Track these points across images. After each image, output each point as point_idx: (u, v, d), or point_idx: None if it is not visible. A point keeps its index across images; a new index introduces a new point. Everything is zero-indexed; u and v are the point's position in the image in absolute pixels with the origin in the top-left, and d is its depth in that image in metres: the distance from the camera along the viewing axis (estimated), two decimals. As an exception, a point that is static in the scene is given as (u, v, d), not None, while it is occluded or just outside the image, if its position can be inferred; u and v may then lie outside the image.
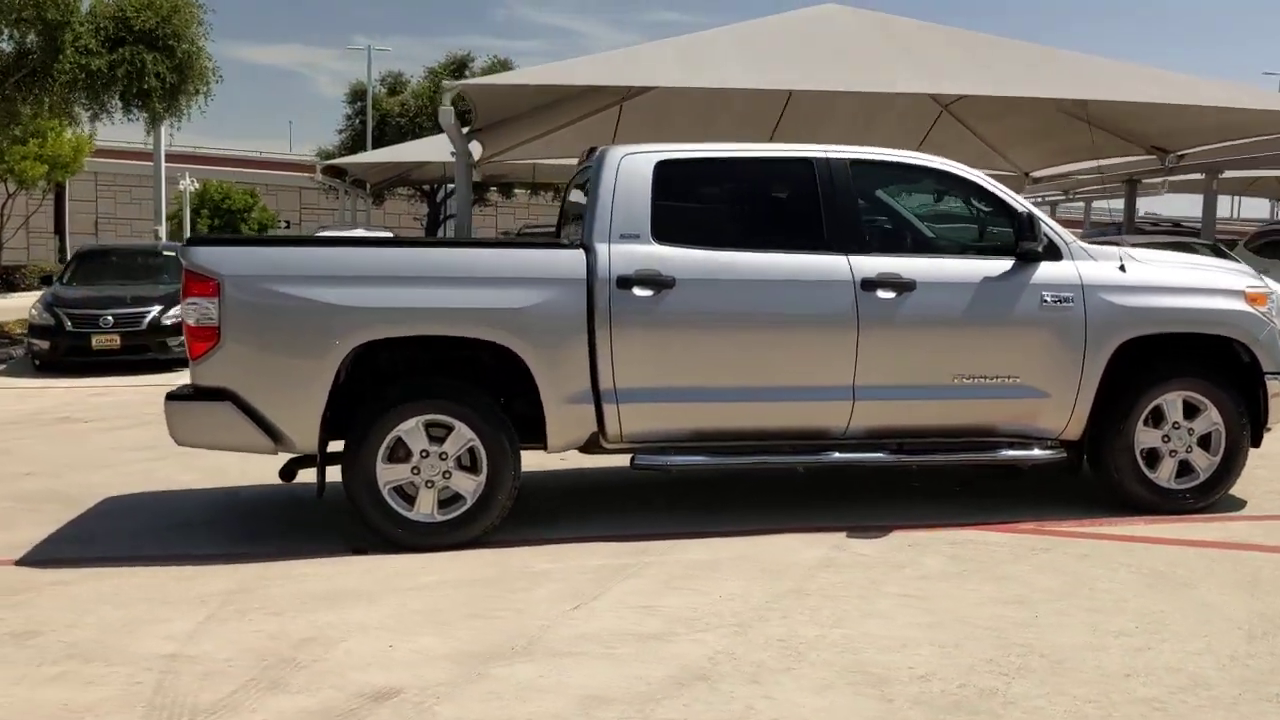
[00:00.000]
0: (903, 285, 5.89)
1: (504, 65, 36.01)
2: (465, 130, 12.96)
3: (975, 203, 6.28)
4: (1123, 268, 6.14)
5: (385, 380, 5.76)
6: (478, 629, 4.50)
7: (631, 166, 5.88)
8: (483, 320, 5.63)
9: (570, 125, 14.98)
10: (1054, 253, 6.08)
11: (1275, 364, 6.24)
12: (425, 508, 5.65)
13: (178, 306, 13.93)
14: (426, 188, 34.61)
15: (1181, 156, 18.43)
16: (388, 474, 5.60)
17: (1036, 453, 6.11)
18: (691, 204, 6.07)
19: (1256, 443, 6.32)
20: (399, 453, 5.61)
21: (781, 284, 5.86)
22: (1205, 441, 6.23)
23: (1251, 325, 6.22)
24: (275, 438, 5.56)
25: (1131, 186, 20.87)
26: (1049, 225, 6.10)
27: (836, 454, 5.98)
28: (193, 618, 4.68)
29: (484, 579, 5.17)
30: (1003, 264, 6.04)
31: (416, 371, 5.82)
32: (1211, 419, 6.21)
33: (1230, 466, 6.25)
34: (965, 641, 4.29)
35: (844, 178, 6.03)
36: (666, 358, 5.75)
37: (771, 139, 20.04)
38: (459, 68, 36.31)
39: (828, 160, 6.07)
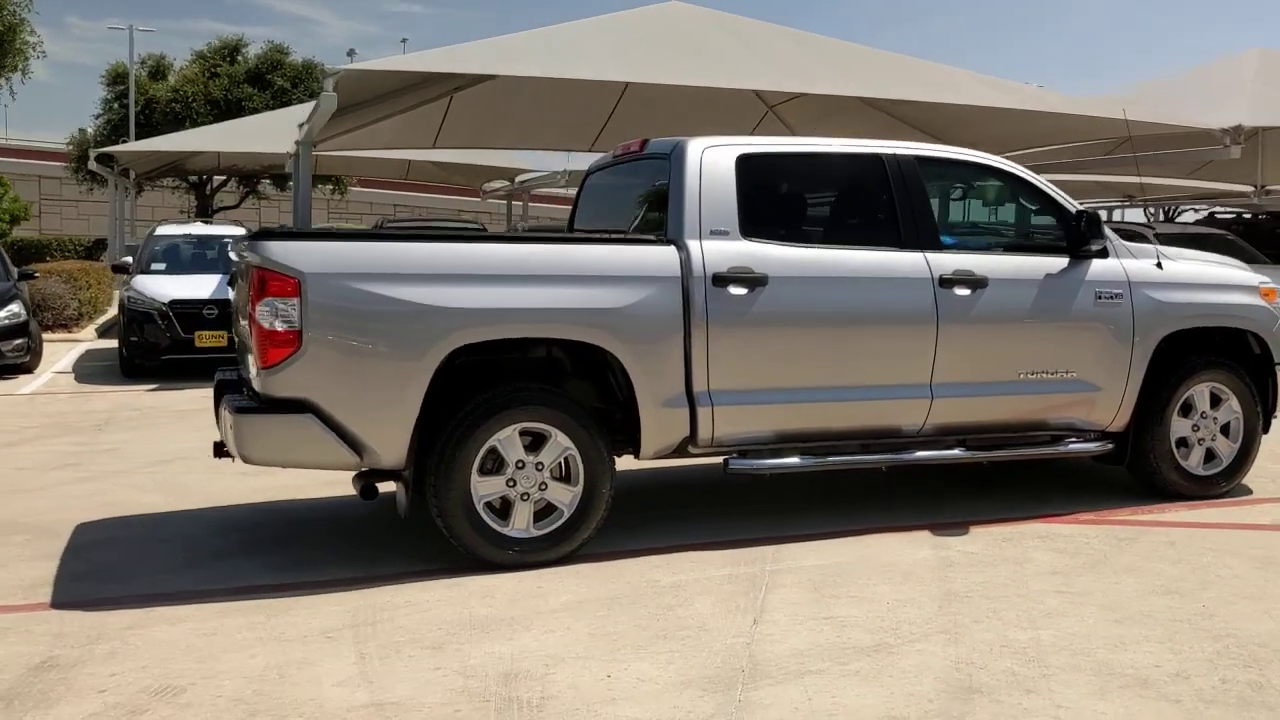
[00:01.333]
0: (976, 282, 5.91)
1: (281, 51, 34.38)
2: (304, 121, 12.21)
3: (1030, 202, 6.37)
4: (1159, 264, 6.40)
5: (467, 387, 5.27)
6: (678, 650, 4.18)
7: (714, 160, 5.63)
8: (582, 321, 5.26)
9: (395, 116, 14.23)
10: (1103, 251, 6.25)
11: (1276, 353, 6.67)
12: (521, 522, 5.24)
13: (13, 305, 12.56)
14: (194, 179, 32.48)
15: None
16: (483, 487, 5.15)
17: (1090, 445, 6.28)
18: (773, 199, 5.87)
19: (1266, 428, 6.72)
20: (491, 464, 5.17)
21: (868, 281, 5.77)
22: (1226, 429, 6.58)
23: (1266, 319, 6.62)
24: (359, 452, 5.01)
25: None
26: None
27: (920, 452, 5.95)
28: (343, 658, 4.14)
29: (622, 596, 4.82)
30: (1059, 261, 6.16)
31: (499, 377, 5.37)
32: (1233, 408, 6.56)
33: (1248, 452, 6.63)
34: (1174, 636, 4.32)
35: (914, 174, 6.00)
36: (759, 358, 5.54)
37: (601, 134, 19.99)
38: (232, 52, 34.34)
39: (897, 156, 6.03)
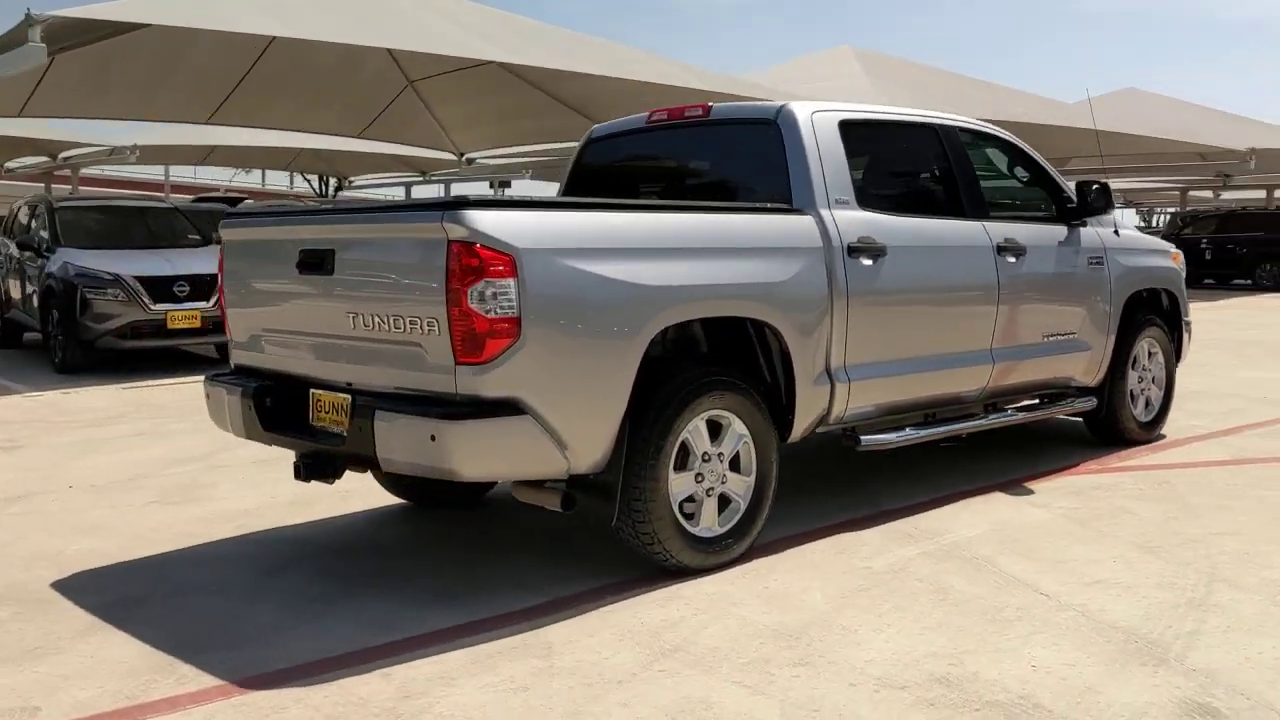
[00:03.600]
0: (1018, 250, 6.16)
1: None
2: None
3: (1030, 172, 6.69)
4: (1117, 233, 7.01)
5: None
6: (1036, 628, 4.04)
7: (824, 125, 5.41)
8: (758, 296, 4.89)
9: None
10: (1083, 221, 6.74)
11: (1187, 310, 7.56)
12: (708, 520, 4.78)
13: None
14: None
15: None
16: (676, 484, 4.64)
17: (1084, 402, 6.78)
18: (870, 167, 5.73)
19: (1172, 377, 7.61)
20: (680, 459, 4.67)
21: (954, 250, 5.84)
22: (1155, 379, 7.36)
23: (1179, 279, 7.47)
24: (568, 456, 4.33)
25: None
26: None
27: (993, 416, 6.13)
28: (728, 691, 3.58)
29: (864, 583, 4.55)
30: (1062, 229, 6.57)
31: (663, 363, 4.82)
32: (1159, 360, 7.34)
33: (1170, 397, 7.45)
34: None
35: (961, 146, 6.13)
36: (879, 331, 5.43)
37: (231, 95, 18.40)
38: None
39: (952, 127, 6.13)
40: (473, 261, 4.02)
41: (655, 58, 17.51)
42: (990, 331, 6.00)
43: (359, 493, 6.11)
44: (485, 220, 4.05)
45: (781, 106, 5.42)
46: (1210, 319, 16.29)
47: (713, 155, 5.87)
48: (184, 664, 3.87)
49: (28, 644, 4.09)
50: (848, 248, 5.23)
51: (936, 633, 4.03)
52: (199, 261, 11.80)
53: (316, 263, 4.58)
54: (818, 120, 5.39)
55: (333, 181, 35.69)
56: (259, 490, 6.38)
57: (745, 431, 4.86)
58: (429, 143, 23.22)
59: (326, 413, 4.67)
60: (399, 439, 4.19)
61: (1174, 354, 7.46)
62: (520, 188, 28.00)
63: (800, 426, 5.19)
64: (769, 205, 5.20)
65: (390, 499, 5.99)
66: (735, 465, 4.88)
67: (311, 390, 4.76)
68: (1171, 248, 7.57)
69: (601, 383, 4.36)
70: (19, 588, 4.73)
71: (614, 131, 6.21)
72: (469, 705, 3.50)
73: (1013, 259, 6.09)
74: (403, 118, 21.05)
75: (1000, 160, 6.64)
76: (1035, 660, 3.77)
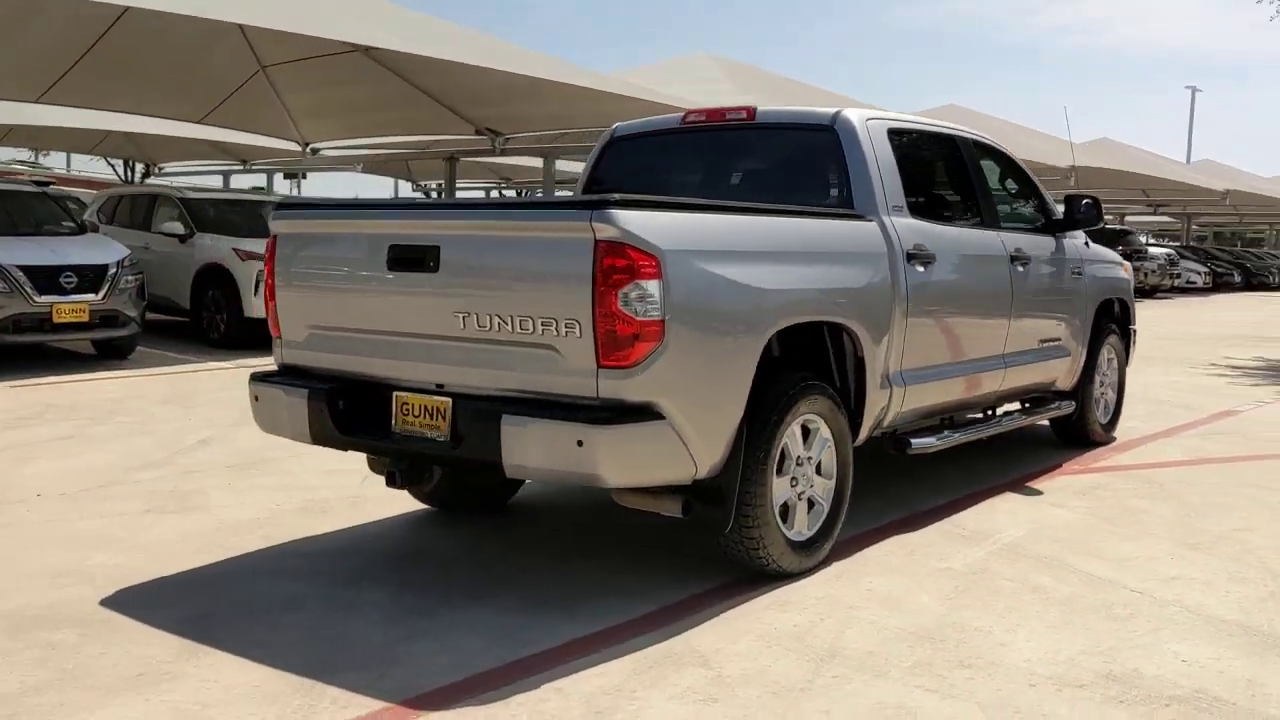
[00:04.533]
0: (1026, 259, 6.41)
1: None
2: None
3: (1020, 184, 6.94)
4: (1087, 244, 7.37)
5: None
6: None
7: (877, 132, 5.48)
8: (844, 300, 4.93)
9: None
10: (1065, 233, 7.05)
11: (1134, 318, 8.02)
12: (800, 523, 4.79)
13: None
14: None
15: (508, 139, 19.98)
16: (778, 489, 4.63)
17: (1065, 406, 7.09)
18: (914, 175, 5.79)
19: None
20: (779, 463, 4.65)
21: (982, 259, 6.02)
22: (1111, 383, 7.77)
23: (1130, 289, 7.92)
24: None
25: (452, 164, 21.73)
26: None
27: (1004, 419, 6.34)
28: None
29: (965, 588, 4.65)
30: (1051, 241, 6.86)
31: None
32: (1115, 365, 7.76)
33: (1122, 400, 7.88)
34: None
35: (976, 157, 6.33)
36: (928, 336, 5.56)
37: (70, 72, 17.34)
38: None
39: (968, 139, 6.31)
40: (622, 262, 3.90)
41: (535, 54, 17.31)
42: (1004, 338, 6.21)
43: (370, 500, 5.87)
44: (634, 220, 3.94)
45: (837, 112, 5.47)
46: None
47: (758, 159, 5.86)
48: (326, 685, 3.61)
49: (127, 670, 3.73)
50: (906, 254, 5.32)
51: (1067, 631, 4.15)
52: (83, 251, 11.00)
53: (415, 259, 4.34)
54: (871, 127, 5.46)
55: (139, 167, 33.77)
56: (254, 497, 6.01)
57: (829, 435, 4.89)
58: (273, 131, 22.32)
59: (416, 416, 4.44)
60: (535, 445, 4.02)
61: (1125, 359, 7.89)
62: (346, 181, 27.19)
63: (865, 430, 5.25)
64: (840, 210, 5.24)
65: (398, 506, 5.75)
66: (818, 469, 4.90)
67: (395, 393, 4.52)
68: (1122, 259, 8.01)
69: (726, 387, 4.30)
70: (64, 607, 4.31)
71: (641, 131, 6.13)
72: (673, 719, 3.40)
73: (1021, 268, 6.33)
74: (250, 104, 20.18)
75: (996, 172, 6.88)
76: (1181, 655, 3.93)
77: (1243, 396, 10.37)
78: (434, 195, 34.79)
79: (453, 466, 4.53)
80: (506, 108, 18.63)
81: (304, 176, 27.22)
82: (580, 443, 3.92)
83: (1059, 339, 6.86)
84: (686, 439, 4.13)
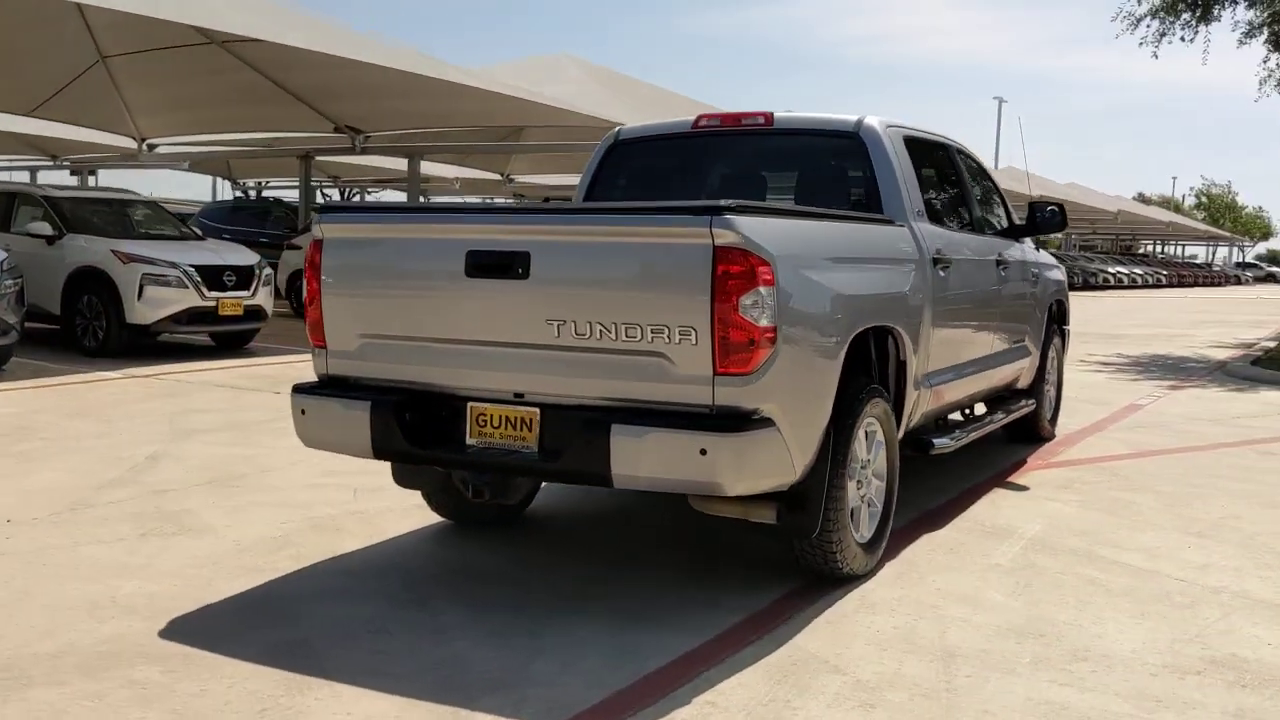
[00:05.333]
0: (1006, 264, 6.66)
1: None
2: None
3: (990, 193, 7.19)
4: (1038, 249, 7.70)
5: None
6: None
7: (896, 139, 5.60)
8: (897, 303, 5.04)
9: None
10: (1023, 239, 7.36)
11: (1068, 318, 8.43)
12: (864, 526, 4.85)
13: None
14: None
15: (369, 137, 19.52)
16: (853, 494, 4.69)
17: (1030, 404, 7.39)
18: (925, 182, 5.92)
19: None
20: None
21: (981, 263, 6.23)
22: (1052, 381, 8.14)
23: (1067, 289, 8.31)
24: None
25: (306, 163, 20.95)
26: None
27: (991, 418, 6.55)
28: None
29: (1025, 583, 4.80)
30: (1016, 245, 7.14)
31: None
32: (1058, 362, 8.14)
33: (1061, 395, 8.27)
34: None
35: (964, 164, 6.54)
36: (944, 338, 5.71)
37: None
38: None
39: (959, 147, 6.51)
40: (743, 268, 3.87)
41: (403, 49, 16.84)
42: (993, 339, 6.44)
43: (376, 514, 5.69)
44: (752, 226, 3.92)
45: (861, 119, 5.56)
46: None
47: (777, 165, 5.90)
48: (473, 711, 3.47)
49: (246, 707, 3.48)
50: (931, 259, 5.46)
51: (1150, 621, 4.34)
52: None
53: (500, 265, 4.20)
54: (891, 134, 5.58)
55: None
56: (252, 515, 5.69)
57: (884, 439, 4.97)
58: (107, 125, 21.19)
59: (496, 427, 4.30)
60: (652, 454, 3.94)
61: (1063, 357, 8.29)
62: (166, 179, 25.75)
63: (901, 432, 5.36)
64: (879, 217, 5.33)
65: (412, 521, 5.57)
66: (874, 472, 4.97)
67: (470, 404, 4.36)
68: (1058, 262, 8.40)
69: (820, 392, 4.33)
70: (122, 642, 3.98)
71: (648, 135, 6.08)
72: (846, 726, 3.41)
73: (1003, 272, 6.58)
74: (84, 97, 19.10)
75: (974, 178, 7.11)
76: (1264, 639, 4.16)
77: (1134, 391, 11.04)
78: (253, 196, 33.52)
79: (539, 478, 4.40)
80: (370, 104, 18.13)
81: (93, 173, 25.79)
82: (704, 451, 3.87)
83: (1024, 339, 7.15)
84: (789, 444, 4.13)
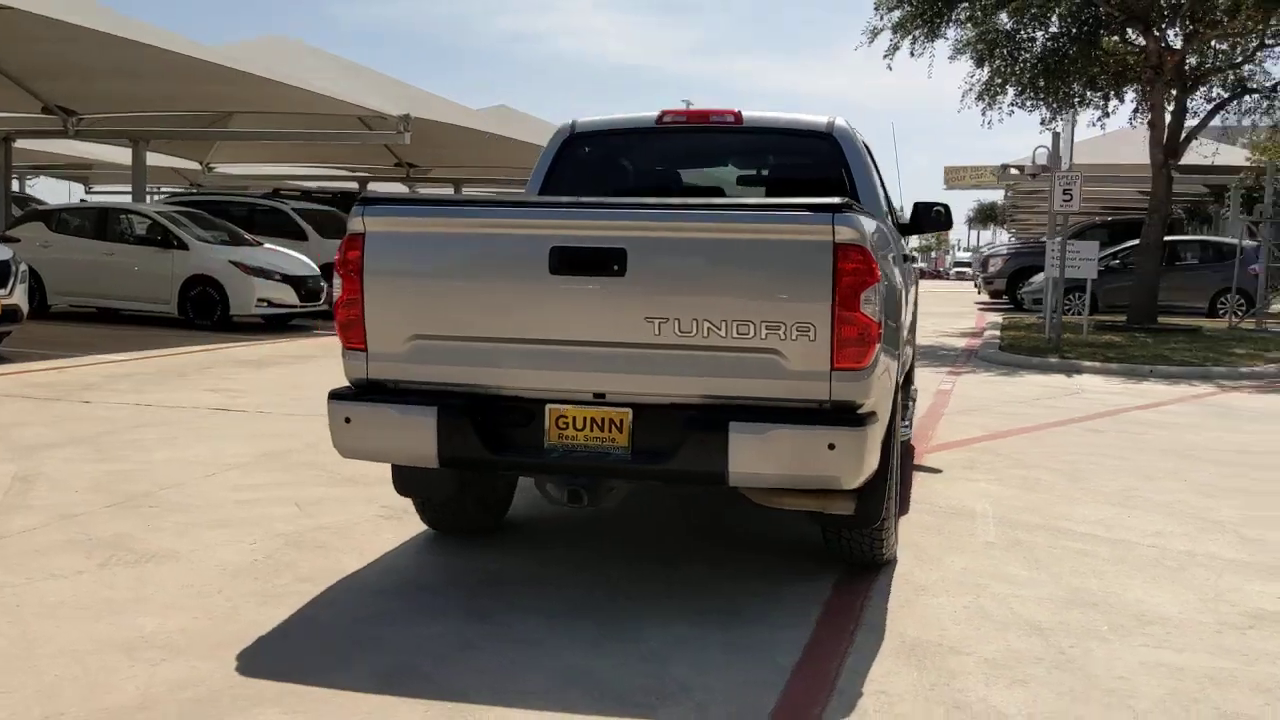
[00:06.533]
0: (910, 258, 7.04)
1: None
2: None
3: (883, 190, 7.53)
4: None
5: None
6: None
7: (860, 139, 5.84)
8: (905, 298, 5.25)
9: None
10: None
11: (915, 312, 8.98)
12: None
13: None
14: None
15: (82, 119, 18.01)
16: (894, 482, 4.86)
17: (914, 391, 7.84)
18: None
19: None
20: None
21: (907, 258, 6.54)
22: (908, 370, 8.66)
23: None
24: (871, 464, 4.37)
25: (6, 147, 18.70)
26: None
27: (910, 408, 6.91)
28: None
29: (1033, 558, 5.13)
30: (903, 241, 7.55)
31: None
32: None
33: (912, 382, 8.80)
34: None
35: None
36: (901, 332, 5.98)
37: None
38: None
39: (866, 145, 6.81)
40: (862, 265, 3.92)
41: (133, 20, 15.40)
42: (905, 334, 6.80)
43: (346, 530, 5.34)
44: (865, 224, 4.00)
45: (832, 119, 5.73)
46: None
47: (745, 163, 5.95)
48: (664, 724, 3.37)
49: (421, 742, 3.23)
50: (902, 254, 5.72)
51: (1171, 585, 4.74)
52: None
53: (594, 263, 4.05)
54: (858, 134, 5.79)
55: None
56: (206, 537, 5.15)
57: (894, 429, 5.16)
58: None
59: (580, 429, 4.15)
60: (776, 452, 3.92)
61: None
62: None
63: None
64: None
65: (405, 533, 5.28)
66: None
67: (548, 405, 4.18)
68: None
69: (893, 385, 4.47)
70: (204, 685, 3.54)
71: (606, 129, 5.95)
72: (1011, 703, 3.56)
73: (909, 266, 6.95)
74: None
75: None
76: (1272, 593, 4.67)
77: (930, 376, 11.87)
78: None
79: (636, 480, 4.27)
80: (87, 82, 16.60)
81: None
82: (832, 446, 3.90)
83: (911, 334, 7.58)
84: (879, 436, 4.24)
